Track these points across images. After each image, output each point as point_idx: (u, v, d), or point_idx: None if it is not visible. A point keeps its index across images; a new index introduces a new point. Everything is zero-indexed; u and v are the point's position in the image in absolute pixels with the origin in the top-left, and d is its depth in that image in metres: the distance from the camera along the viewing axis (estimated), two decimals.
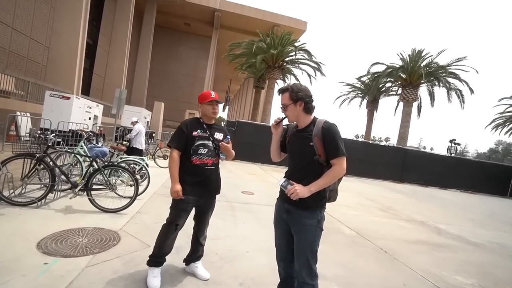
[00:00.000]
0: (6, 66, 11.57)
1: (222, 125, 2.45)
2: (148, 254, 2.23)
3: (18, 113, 8.89)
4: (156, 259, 2.17)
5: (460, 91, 17.70)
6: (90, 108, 9.94)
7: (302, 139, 1.70)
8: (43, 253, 2.33)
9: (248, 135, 13.31)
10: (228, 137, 2.32)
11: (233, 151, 2.34)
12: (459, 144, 23.71)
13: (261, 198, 5.91)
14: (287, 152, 1.87)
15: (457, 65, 17.32)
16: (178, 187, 2.09)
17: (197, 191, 2.17)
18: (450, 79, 17.66)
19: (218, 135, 2.28)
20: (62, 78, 12.37)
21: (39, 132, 3.39)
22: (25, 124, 8.97)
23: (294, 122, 1.82)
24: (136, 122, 6.69)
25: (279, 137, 1.90)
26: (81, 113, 9.14)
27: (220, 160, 2.35)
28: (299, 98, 1.68)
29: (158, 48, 26.90)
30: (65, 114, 8.17)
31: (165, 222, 2.20)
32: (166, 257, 2.25)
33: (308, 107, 1.71)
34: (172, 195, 2.10)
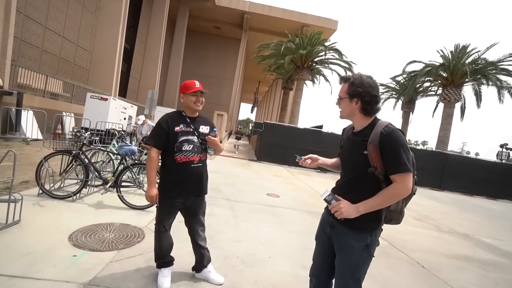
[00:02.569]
0: (56, 71, 12.75)
1: (208, 117, 2.25)
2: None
3: (64, 113, 9.74)
4: (161, 261, 2.13)
5: None
6: (125, 108, 10.55)
7: (355, 145, 1.43)
8: (73, 246, 2.45)
9: (275, 136, 13.16)
10: (215, 129, 2.09)
11: (221, 145, 2.14)
12: (511, 149, 21.22)
13: (287, 201, 5.75)
14: (340, 158, 1.60)
15: (510, 60, 15.48)
16: (154, 191, 1.93)
17: (183, 192, 2.00)
18: (501, 77, 15.87)
19: (204, 129, 2.07)
20: (102, 81, 13.33)
21: (75, 130, 3.61)
22: (69, 123, 9.80)
23: (350, 124, 1.55)
24: (145, 121, 6.70)
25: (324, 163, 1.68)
26: (117, 113, 9.73)
27: (208, 156, 2.17)
28: (357, 94, 1.39)
29: (189, 51, 27.90)
30: (103, 114, 8.75)
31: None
32: (178, 262, 2.19)
33: (366, 109, 1.40)
34: (147, 199, 1.95)
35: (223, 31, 29.46)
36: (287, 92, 22.46)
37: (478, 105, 17.00)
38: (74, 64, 14.09)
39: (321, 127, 15.51)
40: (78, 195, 3.64)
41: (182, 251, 2.54)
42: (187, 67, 27.97)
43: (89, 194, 3.92)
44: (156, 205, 2.02)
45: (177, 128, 1.96)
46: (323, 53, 17.18)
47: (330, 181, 9.81)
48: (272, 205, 5.20)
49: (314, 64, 18.51)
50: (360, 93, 1.38)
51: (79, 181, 3.94)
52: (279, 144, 12.97)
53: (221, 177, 7.44)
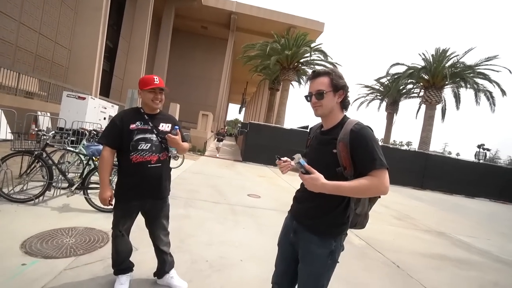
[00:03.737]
0: (33, 68, 12.18)
1: (171, 114, 2.08)
2: (133, 257, 2.08)
3: (39, 113, 9.28)
4: (118, 267, 1.99)
5: (490, 93, 16.47)
6: (105, 108, 10.19)
7: (324, 144, 1.35)
8: (24, 253, 2.25)
9: (260, 137, 13.11)
10: (177, 127, 1.92)
11: (185, 144, 1.99)
12: (488, 150, 22.06)
13: (267, 202, 5.67)
14: (306, 158, 1.47)
15: (487, 64, 16.13)
16: (108, 193, 1.80)
17: (139, 194, 1.85)
18: (478, 80, 16.49)
19: (165, 126, 1.93)
20: (82, 79, 12.85)
21: (36, 129, 3.38)
22: (45, 123, 9.35)
23: (320, 122, 1.46)
24: None
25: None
26: (96, 113, 9.37)
27: (170, 156, 2.02)
28: (342, 86, 1.33)
29: (175, 51, 27.46)
30: (80, 113, 8.38)
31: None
32: (138, 267, 2.06)
33: (347, 102, 1.37)
34: (101, 202, 1.83)
35: (210, 31, 29.20)
36: (274, 93, 22.50)
37: (457, 107, 17.59)
38: (52, 62, 13.51)
39: (307, 127, 15.57)
40: (41, 198, 3.42)
41: (147, 256, 2.40)
42: (173, 67, 27.52)
43: (55, 197, 3.69)
44: (109, 206, 1.88)
45: (132, 126, 1.82)
46: (309, 54, 17.30)
47: None
48: (251, 206, 5.10)
49: (299, 65, 18.61)
50: (344, 85, 1.33)
51: (44, 183, 3.71)
52: (264, 144, 12.91)
53: (203, 178, 7.29)
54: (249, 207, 5.01)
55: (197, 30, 29.33)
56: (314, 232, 1.33)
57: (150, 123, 1.88)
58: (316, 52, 17.53)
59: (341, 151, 1.25)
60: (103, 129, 7.08)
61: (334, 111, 1.36)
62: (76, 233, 2.78)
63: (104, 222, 3.15)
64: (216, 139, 14.76)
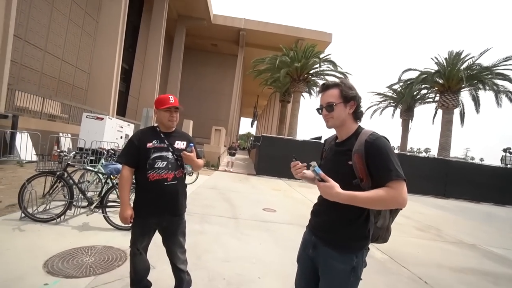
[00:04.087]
0: (55, 93, 12.94)
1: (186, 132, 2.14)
2: (151, 275, 2.08)
3: (61, 134, 9.76)
4: (136, 286, 1.99)
5: None
6: (122, 127, 10.57)
7: (339, 156, 1.33)
8: (47, 273, 2.31)
9: (273, 149, 13.07)
10: (192, 144, 1.95)
11: (200, 161, 2.01)
12: None
13: (283, 216, 5.57)
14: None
15: (506, 65, 15.55)
16: (129, 212, 1.81)
17: (156, 211, 1.87)
18: (498, 81, 15.88)
19: (180, 144, 1.96)
20: (100, 100, 13.47)
21: (58, 150, 3.54)
22: (66, 144, 9.80)
23: (335, 134, 1.44)
24: None
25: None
26: (113, 132, 9.73)
27: (186, 173, 2.04)
28: (352, 97, 1.31)
29: (187, 69, 28.41)
30: (99, 133, 8.74)
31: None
32: (155, 285, 2.05)
33: (360, 112, 1.35)
34: (121, 220, 1.84)
35: (220, 48, 30.11)
36: (285, 105, 22.60)
37: (477, 110, 16.92)
38: (73, 85, 14.33)
39: (320, 138, 15.41)
40: (63, 217, 3.53)
41: (165, 274, 2.39)
42: (186, 84, 28.39)
43: (75, 215, 3.80)
44: (129, 224, 1.91)
45: (149, 144, 1.87)
46: (318, 65, 17.39)
47: None
48: (267, 221, 5.02)
49: (309, 76, 18.70)
50: (355, 96, 1.32)
51: (65, 202, 3.84)
52: (278, 157, 12.83)
53: (217, 192, 7.29)
54: (264, 222, 4.93)
55: (208, 48, 30.33)
56: (334, 247, 1.29)
57: (166, 141, 1.93)
58: (326, 63, 17.60)
59: (357, 162, 1.22)
60: (120, 148, 7.33)
61: (346, 122, 1.34)
62: (95, 251, 2.83)
63: (122, 240, 3.19)
64: (228, 154, 14.62)
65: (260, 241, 3.85)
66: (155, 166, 1.85)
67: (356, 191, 1.20)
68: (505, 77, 15.68)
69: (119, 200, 3.70)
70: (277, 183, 11.01)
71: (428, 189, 12.88)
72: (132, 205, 1.92)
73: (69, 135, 10.25)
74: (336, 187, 1.20)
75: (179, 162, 1.95)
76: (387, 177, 1.17)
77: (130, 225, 1.94)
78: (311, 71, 18.40)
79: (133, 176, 1.96)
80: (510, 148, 19.58)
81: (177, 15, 24.20)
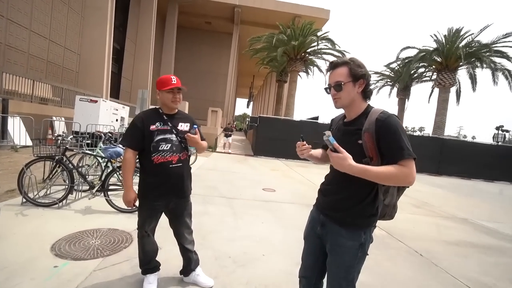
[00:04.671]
0: (45, 75, 12.47)
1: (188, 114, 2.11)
2: (158, 256, 2.11)
3: (54, 118, 9.53)
4: (146, 267, 2.02)
5: (509, 71, 15.67)
6: (117, 110, 10.35)
7: (348, 135, 1.30)
8: (55, 255, 2.32)
9: (271, 130, 13.04)
10: (195, 126, 1.93)
11: (204, 142, 1.97)
12: (507, 131, 21.20)
13: (283, 196, 5.65)
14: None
15: (505, 41, 15.30)
16: (132, 195, 1.81)
17: (163, 194, 1.86)
18: (496, 59, 15.72)
19: (183, 126, 1.93)
20: (92, 83, 13.07)
21: (55, 134, 3.45)
22: (61, 128, 9.60)
23: (342, 113, 1.43)
24: None
25: (316, 154, 1.54)
26: (108, 115, 9.54)
27: (190, 155, 2.03)
28: (362, 75, 1.26)
29: (181, 48, 27.49)
30: (93, 116, 8.55)
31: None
32: (163, 266, 2.09)
33: (369, 91, 1.31)
34: (125, 204, 1.84)
35: (214, 26, 28.96)
36: (282, 85, 22.25)
37: (474, 89, 16.89)
38: (63, 67, 13.79)
39: (317, 118, 15.37)
40: (64, 201, 3.51)
41: (172, 254, 2.43)
42: (180, 64, 27.58)
43: (77, 199, 3.79)
44: (133, 207, 1.91)
45: (152, 127, 1.82)
46: (316, 43, 16.93)
47: (327, 171, 9.71)
48: (267, 200, 5.09)
49: (307, 55, 18.27)
50: (364, 74, 1.27)
51: (66, 187, 3.82)
52: (275, 137, 12.84)
53: (217, 174, 7.33)
54: (265, 201, 5.00)
55: (202, 26, 29.15)
56: (343, 225, 1.31)
57: (169, 123, 1.89)
58: (323, 41, 17.13)
59: (367, 141, 1.21)
60: (116, 131, 7.22)
61: (355, 101, 1.31)
62: (100, 234, 2.84)
63: (126, 223, 3.21)
64: (224, 135, 14.17)
65: (262, 220, 3.92)
66: (159, 148, 1.82)
67: None
68: (503, 55, 15.51)
69: (120, 183, 3.69)
70: (275, 164, 11.09)
71: (423, 167, 13.12)
72: (137, 188, 1.90)
73: (63, 119, 10.02)
74: (349, 158, 1.19)
75: (183, 144, 1.92)
76: (399, 156, 1.16)
77: (134, 207, 1.94)
78: (309, 50, 17.95)
79: (137, 159, 1.92)
80: (502, 126, 19.86)
81: None
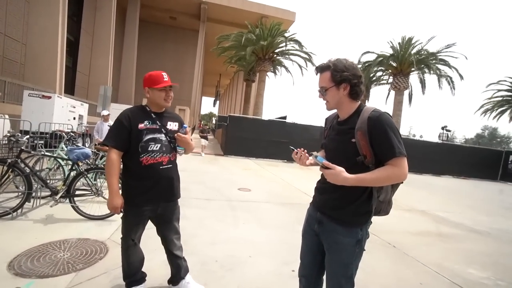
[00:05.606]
0: None
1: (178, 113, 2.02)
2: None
3: None
4: (131, 279, 1.86)
5: (450, 78, 17.72)
6: (74, 107, 9.41)
7: (342, 134, 1.33)
8: (14, 275, 2.01)
9: (241, 130, 12.98)
10: (185, 126, 1.84)
11: (192, 143, 1.89)
12: (449, 131, 24.01)
13: (259, 195, 5.65)
14: (324, 150, 1.48)
15: (447, 51, 17.31)
16: (119, 201, 1.65)
17: (152, 198, 1.73)
18: (440, 66, 17.66)
19: (172, 125, 1.82)
20: (43, 77, 11.71)
21: (8, 134, 3.00)
22: (5, 127, 8.41)
23: (334, 111, 1.44)
24: (108, 115, 6.10)
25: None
26: (65, 113, 8.62)
27: (178, 155, 1.93)
28: (344, 79, 1.28)
29: (144, 44, 26.04)
30: (47, 114, 7.65)
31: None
32: (147, 275, 1.94)
33: (356, 91, 1.31)
34: (110, 210, 1.68)
35: (180, 22, 27.96)
36: (250, 84, 22.32)
37: (423, 92, 18.77)
38: (4, 57, 12.13)
39: (285, 117, 15.71)
40: (19, 210, 3.07)
41: (154, 263, 2.27)
42: (143, 60, 26.11)
43: (35, 208, 3.34)
44: (120, 214, 1.73)
45: (141, 125, 1.68)
46: (284, 44, 17.28)
47: (298, 170, 10.00)
48: (244, 200, 5.05)
49: (275, 55, 18.57)
50: (347, 77, 1.28)
51: (20, 194, 3.34)
52: (245, 137, 12.83)
53: (189, 175, 7.07)
54: (242, 202, 4.95)
55: (166, 21, 27.94)
56: (340, 223, 1.33)
57: (158, 122, 1.75)
58: (291, 42, 17.57)
59: (360, 140, 1.24)
60: (75, 131, 6.55)
61: (343, 103, 1.34)
62: (69, 246, 2.54)
63: (98, 231, 2.92)
64: (200, 136, 13.14)
65: (243, 221, 3.87)
66: (149, 149, 1.69)
67: (361, 168, 1.24)
68: (445, 63, 17.51)
69: (88, 188, 3.36)
70: (246, 163, 11.08)
71: None
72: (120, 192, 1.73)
73: (7, 116, 8.80)
74: (343, 172, 1.21)
75: (172, 144, 1.81)
76: (390, 154, 1.21)
77: (108, 213, 1.77)
78: (277, 50, 18.26)
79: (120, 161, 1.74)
80: (446, 126, 22.43)
81: None
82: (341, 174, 1.20)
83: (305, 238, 1.53)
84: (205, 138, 12.65)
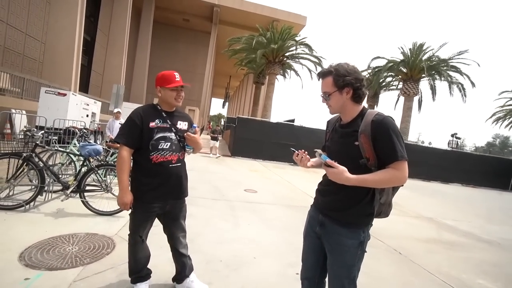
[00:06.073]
0: (1, 62, 11.18)
1: (187, 112, 1.99)
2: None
3: (13, 110, 8.56)
4: (137, 275, 1.86)
5: (462, 85, 17.32)
6: (88, 105, 9.60)
7: (345, 137, 1.33)
8: (25, 266, 2.04)
9: (249, 131, 12.98)
10: (195, 125, 1.87)
11: (201, 142, 1.90)
12: (459, 138, 23.44)
13: (265, 197, 5.62)
14: (327, 152, 1.47)
15: (459, 58, 16.94)
16: (129, 197, 1.65)
17: (161, 195, 1.73)
18: (451, 73, 17.28)
19: (182, 125, 1.83)
20: (59, 75, 11.99)
21: (24, 129, 3.07)
22: (22, 122, 8.64)
23: (337, 115, 1.44)
24: (119, 113, 6.20)
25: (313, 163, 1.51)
26: (78, 110, 8.81)
27: (186, 154, 1.93)
28: (347, 83, 1.28)
29: (157, 44, 26.41)
30: (62, 111, 7.83)
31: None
32: (153, 272, 1.94)
33: (358, 94, 1.31)
34: (120, 206, 1.68)
35: (192, 24, 28.26)
36: (259, 87, 22.33)
37: (434, 98, 18.39)
38: (24, 55, 12.48)
39: (293, 121, 15.64)
40: (32, 203, 3.14)
41: (160, 260, 2.27)
42: (155, 60, 26.48)
43: (47, 201, 3.41)
44: (129, 210, 1.73)
45: (152, 124, 1.69)
46: (294, 47, 17.24)
47: (304, 173, 9.92)
48: (251, 201, 5.03)
49: (285, 59, 18.54)
50: (350, 82, 1.28)
51: (33, 187, 3.41)
52: (253, 138, 12.82)
53: (197, 174, 7.10)
54: (248, 203, 4.93)
55: (179, 23, 28.28)
56: (343, 224, 1.32)
57: (168, 121, 1.77)
58: (301, 46, 17.51)
59: (363, 143, 1.24)
60: (88, 127, 6.66)
61: (347, 106, 1.34)
62: (78, 240, 2.57)
63: (106, 226, 2.95)
64: (210, 138, 12.31)
65: (249, 222, 3.85)
66: (159, 147, 1.70)
67: (364, 170, 1.24)
68: (457, 70, 17.12)
69: (98, 183, 3.40)
70: (253, 164, 11.06)
71: None
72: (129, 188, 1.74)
73: (24, 112, 9.04)
74: (345, 172, 1.22)
75: (182, 143, 1.82)
76: (392, 158, 1.21)
77: (117, 209, 1.78)
78: (287, 54, 18.23)
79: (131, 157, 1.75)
80: (456, 133, 21.90)
81: None
82: (343, 174, 1.21)
83: (307, 240, 1.52)
84: (215, 139, 11.91)
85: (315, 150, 1.33)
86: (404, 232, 4.48)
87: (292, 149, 1.45)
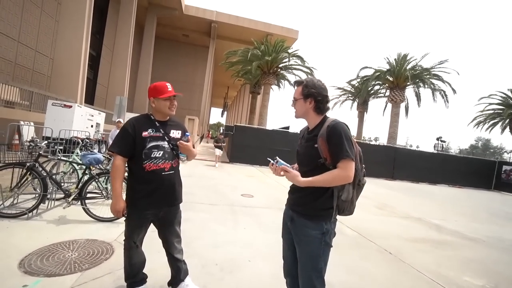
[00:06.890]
0: (12, 77, 11.17)
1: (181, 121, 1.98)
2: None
3: (22, 122, 8.50)
4: (132, 280, 1.80)
5: (444, 92, 17.55)
6: (92, 116, 9.56)
7: (309, 141, 1.46)
8: (24, 273, 1.98)
9: (246, 138, 12.98)
10: (187, 134, 1.84)
11: (194, 150, 1.87)
12: (444, 141, 23.57)
13: (261, 201, 5.57)
14: (296, 155, 1.58)
15: (440, 67, 17.22)
16: (121, 204, 1.63)
17: (154, 202, 1.70)
18: (434, 81, 17.52)
19: (175, 133, 1.80)
20: (66, 88, 11.96)
21: (28, 140, 3.03)
22: (30, 133, 8.57)
23: (307, 125, 1.55)
24: (120, 123, 6.17)
25: None
26: (83, 121, 8.76)
27: (180, 162, 1.90)
28: (310, 94, 1.42)
29: (158, 58, 26.58)
30: (67, 122, 7.78)
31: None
32: (149, 276, 1.89)
33: (319, 107, 1.44)
34: (113, 213, 1.66)
35: (191, 39, 28.54)
36: (255, 96, 22.41)
37: (419, 105, 18.58)
38: (33, 70, 12.49)
39: (288, 128, 15.67)
40: (35, 211, 3.07)
41: (156, 264, 2.21)
42: (157, 73, 26.56)
43: (49, 209, 3.34)
44: (124, 217, 1.70)
45: (145, 133, 1.67)
46: (287, 59, 17.41)
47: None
48: (247, 206, 4.97)
49: (279, 70, 18.69)
50: (313, 94, 1.42)
51: (36, 195, 3.35)
52: (250, 145, 12.81)
53: (195, 180, 7.04)
54: (245, 207, 4.88)
55: (179, 38, 28.56)
56: (307, 217, 1.40)
57: (161, 130, 1.74)
58: (294, 58, 17.69)
59: (321, 145, 1.36)
60: (92, 137, 6.61)
61: (309, 114, 1.46)
62: (78, 246, 2.51)
63: (106, 232, 2.89)
64: (214, 146, 11.60)
65: (244, 226, 3.79)
66: (152, 155, 1.67)
67: (322, 169, 1.35)
68: (439, 78, 17.37)
69: (99, 191, 3.35)
70: (250, 170, 11.00)
71: (380, 172, 13.96)
72: (124, 196, 1.70)
73: (32, 124, 8.97)
74: (297, 176, 1.36)
75: (175, 151, 1.79)
76: (339, 156, 1.31)
77: (113, 216, 1.74)
78: (280, 65, 18.39)
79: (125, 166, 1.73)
80: (441, 137, 22.01)
81: (148, 3, 22.24)
82: (295, 177, 1.36)
83: (284, 238, 1.58)
84: (220, 148, 11.23)
85: (275, 158, 1.43)
86: (393, 232, 4.43)
87: (268, 159, 1.51)
